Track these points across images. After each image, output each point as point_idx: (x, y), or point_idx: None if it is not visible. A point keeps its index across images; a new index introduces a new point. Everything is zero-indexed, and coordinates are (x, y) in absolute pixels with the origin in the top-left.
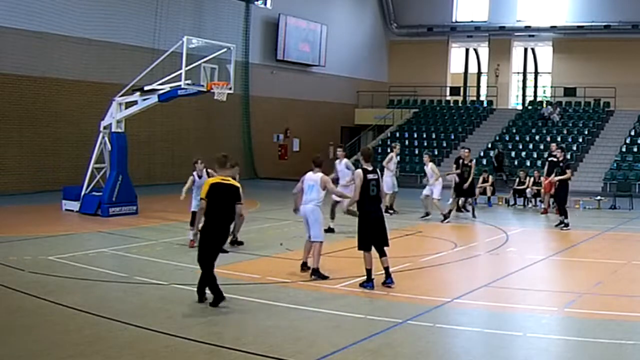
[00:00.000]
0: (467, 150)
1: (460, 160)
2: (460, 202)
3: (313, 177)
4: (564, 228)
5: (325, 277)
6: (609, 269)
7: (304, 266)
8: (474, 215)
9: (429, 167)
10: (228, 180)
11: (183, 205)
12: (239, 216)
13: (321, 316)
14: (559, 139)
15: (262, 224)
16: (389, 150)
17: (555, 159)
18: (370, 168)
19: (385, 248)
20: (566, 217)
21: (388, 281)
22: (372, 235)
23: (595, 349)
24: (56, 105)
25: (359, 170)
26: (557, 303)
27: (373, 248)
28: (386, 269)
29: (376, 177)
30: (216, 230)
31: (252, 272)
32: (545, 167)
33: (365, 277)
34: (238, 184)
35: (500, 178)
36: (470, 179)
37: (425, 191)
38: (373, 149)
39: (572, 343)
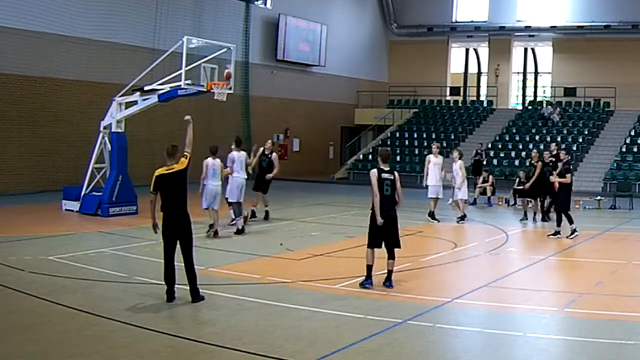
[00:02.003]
0: (534, 151)
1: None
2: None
3: (242, 154)
4: (551, 235)
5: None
6: (609, 269)
7: (217, 234)
8: (534, 220)
9: (458, 165)
10: (172, 168)
11: None
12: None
13: (321, 316)
14: (559, 139)
15: (262, 224)
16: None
17: (554, 159)
18: (386, 168)
19: (396, 250)
20: (558, 225)
21: (387, 284)
22: (383, 234)
23: (595, 349)
24: (56, 105)
25: (374, 170)
26: (557, 303)
27: (377, 249)
28: (390, 272)
29: (391, 177)
30: (176, 219)
31: (252, 272)
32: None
33: (365, 276)
34: (181, 166)
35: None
36: (531, 180)
37: (455, 195)
38: (374, 149)
39: (572, 343)
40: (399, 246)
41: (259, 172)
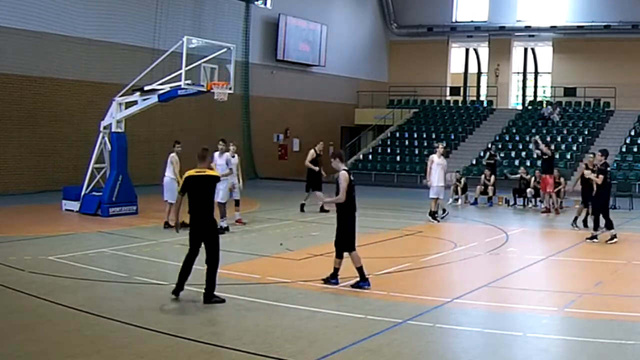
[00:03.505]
0: (591, 156)
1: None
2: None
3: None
4: (593, 240)
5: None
6: (609, 269)
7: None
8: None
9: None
10: (203, 171)
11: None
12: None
13: (321, 316)
14: (559, 139)
15: (262, 224)
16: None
17: (546, 156)
18: (348, 169)
19: (396, 249)
20: (595, 228)
21: (333, 281)
22: (354, 236)
23: (595, 349)
24: (56, 105)
25: (345, 172)
26: (557, 303)
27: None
28: (337, 269)
29: (353, 178)
30: (201, 223)
31: (252, 272)
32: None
33: (359, 277)
34: (214, 173)
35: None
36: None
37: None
38: (374, 149)
39: (572, 343)
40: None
41: (313, 171)
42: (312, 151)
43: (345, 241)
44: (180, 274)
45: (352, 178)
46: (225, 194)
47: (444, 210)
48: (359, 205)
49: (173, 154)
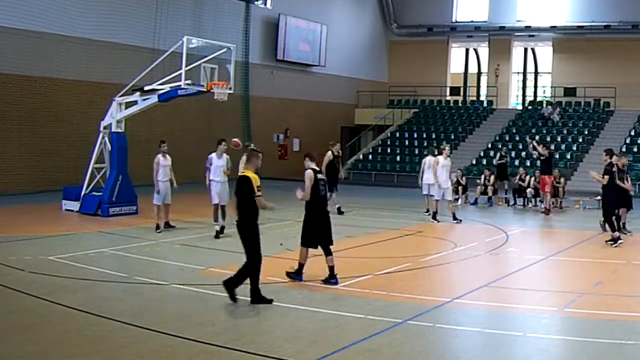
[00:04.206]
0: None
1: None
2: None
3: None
4: (612, 244)
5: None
6: (609, 269)
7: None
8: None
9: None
10: (243, 172)
11: (182, 205)
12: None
13: (321, 316)
14: (559, 138)
15: (262, 224)
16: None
17: (543, 157)
18: (318, 169)
19: (391, 249)
20: (612, 230)
21: (332, 280)
22: (320, 234)
23: (595, 349)
24: (56, 105)
25: (310, 171)
26: (557, 303)
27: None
28: (331, 267)
29: (324, 177)
30: (240, 222)
31: None
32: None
33: (296, 270)
34: (249, 174)
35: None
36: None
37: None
38: (374, 149)
39: (572, 343)
40: (332, 243)
41: (332, 173)
42: (329, 153)
43: (304, 236)
44: (249, 279)
45: (319, 177)
46: (224, 197)
47: (434, 213)
48: (355, 204)
49: (158, 155)
